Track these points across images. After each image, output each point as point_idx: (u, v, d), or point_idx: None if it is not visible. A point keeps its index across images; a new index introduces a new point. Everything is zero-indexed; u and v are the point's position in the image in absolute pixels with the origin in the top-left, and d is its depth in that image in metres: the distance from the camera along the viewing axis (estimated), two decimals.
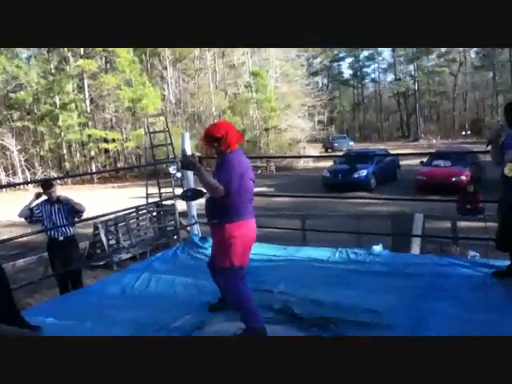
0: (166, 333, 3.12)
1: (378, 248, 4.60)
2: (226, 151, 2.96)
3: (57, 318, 3.44)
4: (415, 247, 6.11)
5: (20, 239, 4.90)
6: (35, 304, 4.19)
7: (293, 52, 34.23)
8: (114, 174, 27.57)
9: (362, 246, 5.12)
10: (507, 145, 3.40)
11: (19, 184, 23.24)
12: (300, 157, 28.65)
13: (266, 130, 28.72)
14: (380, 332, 2.89)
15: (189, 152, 5.68)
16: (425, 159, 16.92)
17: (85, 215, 5.27)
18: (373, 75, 55.27)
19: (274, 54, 31.55)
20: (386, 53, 52.04)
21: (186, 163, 3.04)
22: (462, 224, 6.27)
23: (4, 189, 22.06)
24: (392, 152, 23.51)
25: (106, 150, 29.25)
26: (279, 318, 3.28)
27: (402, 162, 19.95)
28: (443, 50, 44.67)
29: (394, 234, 6.41)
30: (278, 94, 30.19)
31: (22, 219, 5.16)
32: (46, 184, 5.27)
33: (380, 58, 52.75)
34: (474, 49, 43.81)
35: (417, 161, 17.60)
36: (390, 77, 53.57)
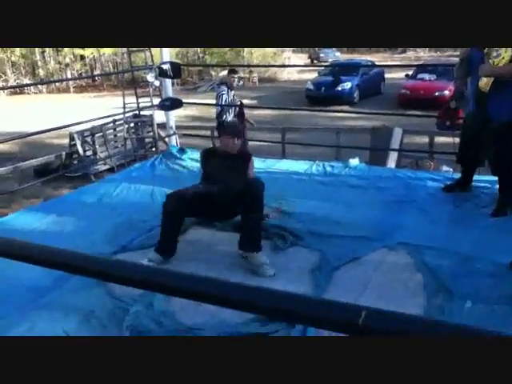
0: (139, 235, 3.23)
1: (354, 161, 4.65)
2: None
3: (33, 226, 3.49)
4: (391, 161, 6.20)
5: None
6: (10, 212, 4.20)
7: None
8: (91, 82, 26.50)
9: (340, 160, 5.17)
10: (475, 62, 3.37)
11: None
12: (283, 66, 27.74)
13: None
14: (345, 242, 3.02)
15: (167, 58, 5.40)
16: (410, 72, 16.60)
17: (60, 123, 5.09)
18: None
19: None
20: None
21: None
22: (440, 140, 6.32)
23: None
24: (378, 64, 22.98)
25: (82, 57, 27.82)
26: None
27: (387, 75, 19.58)
28: None
29: (371, 148, 6.46)
30: None
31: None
32: None
33: None
34: None
35: (402, 74, 17.29)
36: None
